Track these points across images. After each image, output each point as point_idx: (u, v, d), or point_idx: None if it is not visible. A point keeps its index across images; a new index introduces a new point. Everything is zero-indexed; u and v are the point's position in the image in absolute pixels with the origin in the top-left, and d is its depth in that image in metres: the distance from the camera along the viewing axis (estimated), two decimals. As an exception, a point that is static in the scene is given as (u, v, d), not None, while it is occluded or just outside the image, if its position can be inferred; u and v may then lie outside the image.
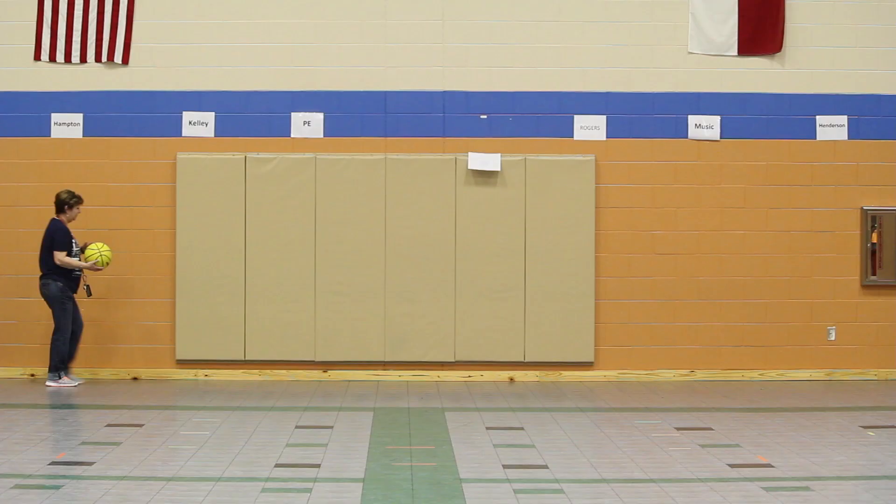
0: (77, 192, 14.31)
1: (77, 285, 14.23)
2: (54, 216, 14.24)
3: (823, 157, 15.17)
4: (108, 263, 14.21)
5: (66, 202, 14.21)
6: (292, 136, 15.03)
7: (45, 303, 14.43)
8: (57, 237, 14.09)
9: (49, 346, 14.22)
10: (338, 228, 14.85)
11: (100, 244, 14.20)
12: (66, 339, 14.11)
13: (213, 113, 15.00)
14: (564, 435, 11.13)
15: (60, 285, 14.08)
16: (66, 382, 14.12)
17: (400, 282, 14.87)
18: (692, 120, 15.14)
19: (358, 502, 8.35)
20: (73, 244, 14.17)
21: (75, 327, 14.27)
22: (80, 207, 14.29)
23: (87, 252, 14.16)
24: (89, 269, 14.13)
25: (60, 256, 14.02)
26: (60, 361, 14.12)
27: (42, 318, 14.80)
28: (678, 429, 11.43)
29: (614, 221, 15.03)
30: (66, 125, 14.93)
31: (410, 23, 15.01)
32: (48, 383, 14.12)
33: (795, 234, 15.14)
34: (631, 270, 15.05)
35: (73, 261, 14.10)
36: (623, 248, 15.04)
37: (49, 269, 14.12)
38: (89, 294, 14.27)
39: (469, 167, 14.88)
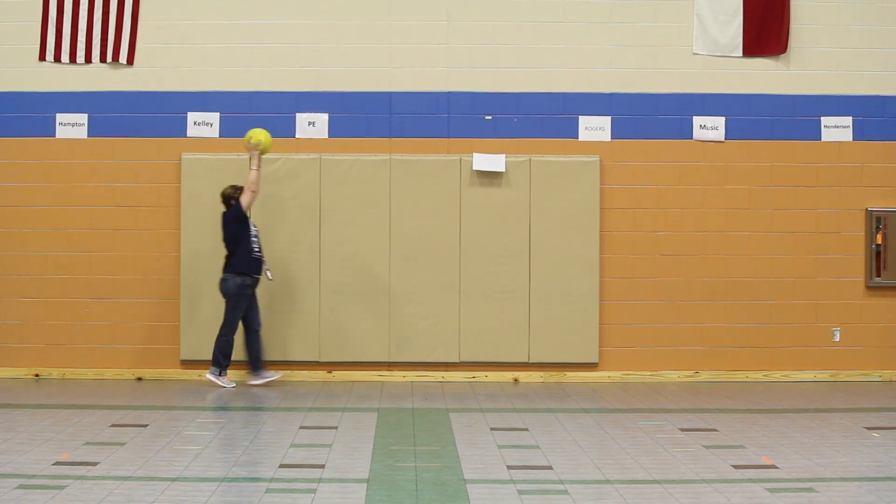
0: (238, 185, 14.21)
1: (258, 268, 14.08)
2: (223, 211, 14.17)
3: (828, 159, 15.16)
4: (262, 144, 13.91)
5: (231, 196, 14.11)
6: (297, 136, 15.04)
7: (52, 303, 14.46)
8: (229, 221, 13.98)
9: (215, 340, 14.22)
10: (342, 229, 14.86)
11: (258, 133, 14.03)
12: (232, 335, 14.06)
13: (217, 113, 15.01)
14: (569, 436, 11.13)
15: (239, 282, 14.00)
16: (224, 382, 14.12)
17: (404, 282, 14.88)
18: (697, 121, 15.14)
19: (362, 503, 8.35)
20: (253, 236, 14.05)
21: (256, 326, 14.26)
22: None
23: (249, 135, 14.01)
24: (253, 149, 13.87)
25: (245, 199, 13.94)
26: (224, 357, 14.08)
27: (47, 319, 14.82)
28: (682, 430, 11.43)
29: (619, 222, 15.03)
30: (71, 125, 14.95)
31: (415, 23, 15.02)
32: (208, 375, 14.14)
33: (800, 235, 15.13)
34: (635, 271, 15.05)
35: (253, 173, 13.92)
36: (628, 249, 15.04)
37: (229, 264, 14.05)
38: (270, 277, 14.23)
39: (474, 168, 14.88)
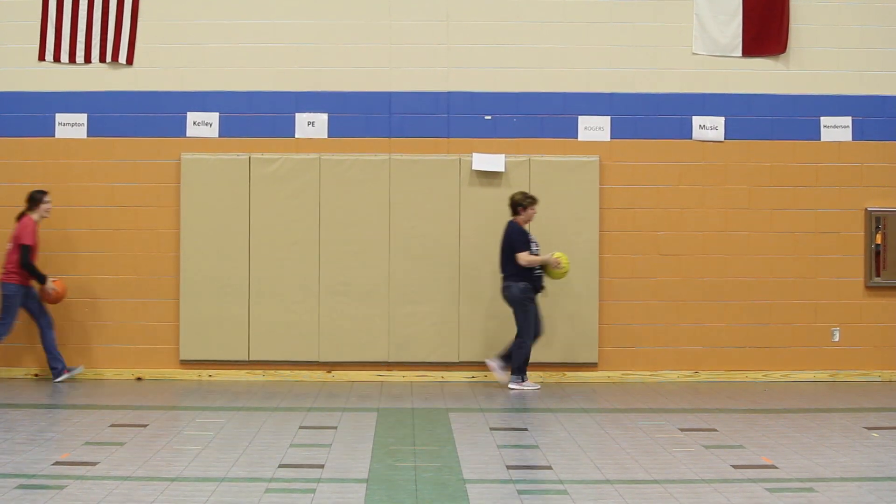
0: (530, 193, 14.30)
1: (540, 284, 14.17)
2: (510, 219, 14.24)
3: (828, 159, 15.16)
4: (565, 272, 14.13)
5: (520, 203, 14.21)
6: (296, 136, 15.04)
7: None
8: (515, 238, 14.09)
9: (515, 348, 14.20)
10: (342, 229, 14.86)
11: (563, 254, 14.20)
12: (530, 341, 14.10)
13: (217, 113, 15.01)
14: (568, 436, 11.13)
15: (522, 286, 14.05)
16: (528, 385, 14.13)
17: (404, 282, 14.87)
18: (696, 121, 15.14)
19: (362, 503, 8.35)
20: (533, 243, 14.15)
21: (538, 328, 14.27)
22: (535, 208, 14.25)
23: (555, 254, 14.17)
24: (549, 263, 14.05)
25: (524, 256, 14.00)
26: (524, 363, 14.10)
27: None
28: (682, 430, 11.43)
29: (618, 222, 15.03)
30: (71, 125, 14.95)
31: (415, 23, 15.01)
32: (511, 385, 14.13)
33: (800, 235, 15.13)
34: (635, 271, 15.05)
35: (537, 257, 14.07)
36: (627, 249, 15.04)
37: (510, 271, 14.12)
38: (542, 290, 14.27)
39: (473, 168, 14.88)
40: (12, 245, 14.30)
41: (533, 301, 14.15)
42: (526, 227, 14.24)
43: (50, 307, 14.48)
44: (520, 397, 13.64)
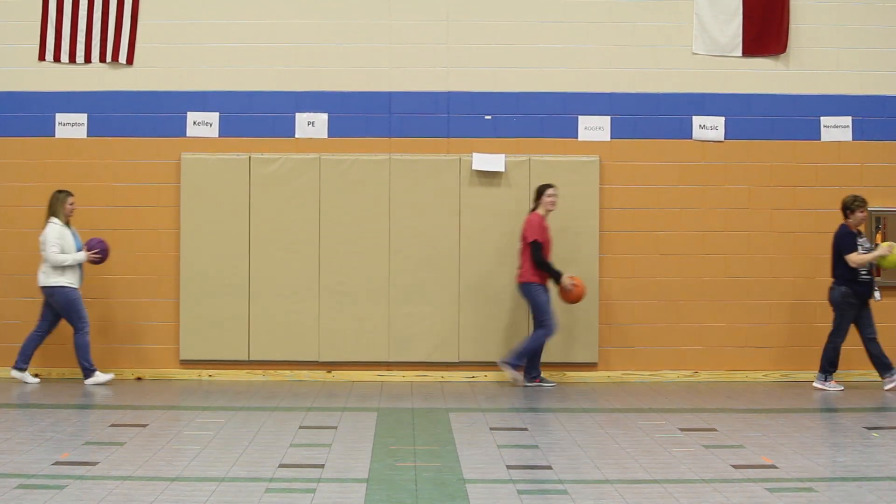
0: (860, 196, 14.31)
1: (867, 290, 14.26)
2: (842, 222, 14.35)
3: (828, 159, 15.16)
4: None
5: (849, 206, 14.25)
6: (296, 136, 15.04)
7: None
8: (842, 243, 14.19)
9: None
10: (342, 229, 14.86)
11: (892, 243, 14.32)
12: (840, 341, 14.22)
13: (217, 113, 15.01)
14: (568, 436, 11.13)
15: (842, 291, 14.16)
16: (830, 387, 14.22)
17: (404, 282, 14.87)
18: (696, 121, 15.14)
19: (362, 503, 8.35)
20: (860, 245, 14.21)
21: (869, 334, 14.30)
22: (864, 211, 14.31)
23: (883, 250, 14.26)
24: (875, 259, 14.20)
25: (853, 257, 14.10)
26: (829, 364, 14.21)
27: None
28: (682, 430, 11.43)
29: (618, 222, 15.03)
30: (71, 125, 14.95)
31: (415, 23, 15.01)
32: (816, 384, 14.27)
33: (800, 235, 15.13)
34: (635, 271, 15.05)
35: (866, 256, 14.15)
36: (627, 249, 15.04)
37: (837, 274, 14.25)
38: (878, 297, 14.33)
39: (473, 168, 14.89)
40: (523, 244, 14.32)
41: (854, 306, 14.17)
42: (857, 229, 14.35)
43: None
44: (519, 397, 13.64)
